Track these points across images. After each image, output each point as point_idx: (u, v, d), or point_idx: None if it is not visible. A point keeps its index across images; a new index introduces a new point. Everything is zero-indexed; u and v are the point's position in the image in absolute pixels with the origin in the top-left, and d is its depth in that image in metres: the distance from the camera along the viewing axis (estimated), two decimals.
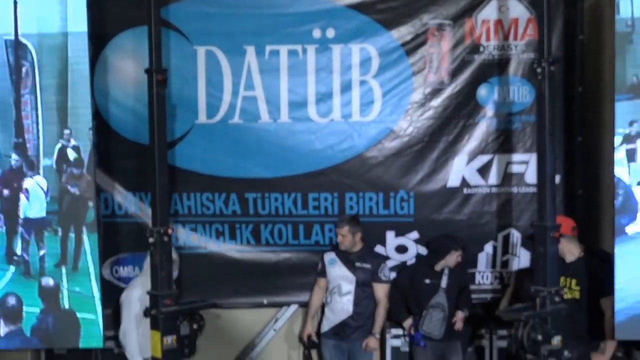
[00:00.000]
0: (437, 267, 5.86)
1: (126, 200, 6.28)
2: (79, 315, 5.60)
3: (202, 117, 6.16)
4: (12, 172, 5.58)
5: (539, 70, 5.07)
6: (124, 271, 6.39)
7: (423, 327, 5.83)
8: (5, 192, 5.57)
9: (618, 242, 5.38)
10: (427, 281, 5.88)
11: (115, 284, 6.34)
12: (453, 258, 5.83)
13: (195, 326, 5.35)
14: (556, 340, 4.98)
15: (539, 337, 4.94)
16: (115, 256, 6.34)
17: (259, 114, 6.16)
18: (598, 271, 5.44)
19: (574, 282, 5.39)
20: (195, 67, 6.10)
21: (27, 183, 5.58)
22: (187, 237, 6.32)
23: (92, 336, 5.64)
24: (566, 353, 5.02)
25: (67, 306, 5.60)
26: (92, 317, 5.60)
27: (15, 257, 5.60)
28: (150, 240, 5.14)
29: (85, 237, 5.58)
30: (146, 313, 5.25)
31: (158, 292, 5.12)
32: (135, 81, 5.90)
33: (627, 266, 5.33)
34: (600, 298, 5.45)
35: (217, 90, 6.13)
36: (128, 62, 6.09)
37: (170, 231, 5.19)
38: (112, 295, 6.03)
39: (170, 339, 5.11)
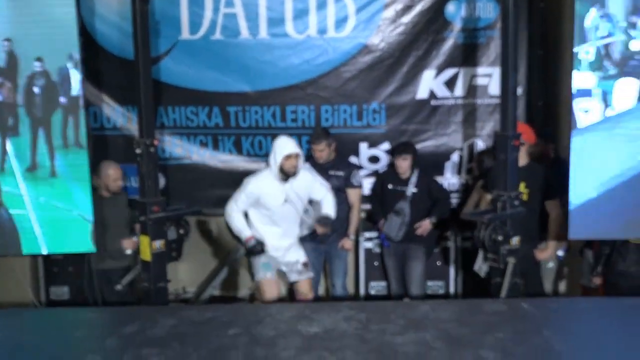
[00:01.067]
0: (400, 175, 6.07)
1: (114, 114, 6.43)
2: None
3: (185, 34, 6.27)
4: None
5: None
6: None
7: (384, 228, 6.14)
8: None
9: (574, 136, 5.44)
10: (391, 187, 6.12)
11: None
12: (399, 163, 5.99)
13: (181, 231, 5.50)
14: (514, 240, 5.19)
15: (500, 238, 5.12)
16: None
17: (239, 30, 6.27)
18: (545, 175, 5.68)
19: (522, 185, 5.55)
20: None
21: None
22: (173, 148, 6.50)
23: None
24: None
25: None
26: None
27: None
28: (137, 151, 5.25)
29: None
30: (135, 219, 5.44)
31: (146, 199, 5.25)
32: None
33: (581, 166, 5.43)
34: (545, 200, 5.71)
35: (198, 8, 6.23)
36: None
37: (156, 142, 5.30)
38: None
39: (158, 244, 5.28)
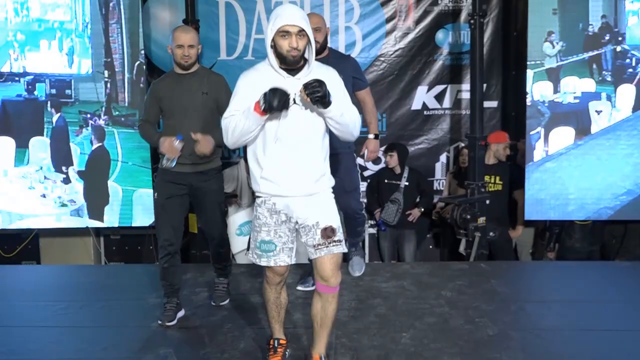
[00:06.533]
0: (394, 170, 7.21)
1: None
2: None
3: (223, 55, 7.52)
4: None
5: (471, 22, 6.42)
6: None
7: (382, 214, 7.29)
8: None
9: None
10: (387, 181, 7.28)
11: None
12: (387, 159, 7.17)
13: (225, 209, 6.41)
14: (481, 219, 6.37)
15: (468, 217, 6.31)
16: None
17: (267, 53, 7.52)
18: (512, 172, 6.95)
19: (497, 178, 6.84)
20: (217, 16, 7.44)
21: None
22: None
23: None
24: (491, 233, 6.42)
25: None
26: None
27: None
28: None
29: None
30: None
31: None
32: (171, 26, 7.05)
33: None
34: (514, 191, 6.95)
35: (234, 34, 7.49)
36: (165, 11, 7.50)
37: None
38: None
39: None
